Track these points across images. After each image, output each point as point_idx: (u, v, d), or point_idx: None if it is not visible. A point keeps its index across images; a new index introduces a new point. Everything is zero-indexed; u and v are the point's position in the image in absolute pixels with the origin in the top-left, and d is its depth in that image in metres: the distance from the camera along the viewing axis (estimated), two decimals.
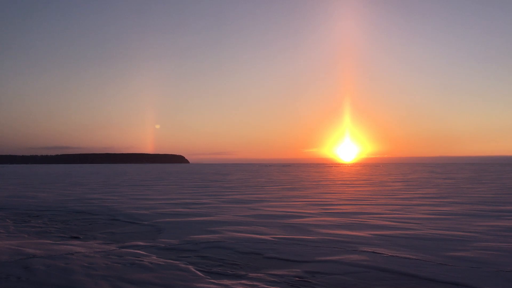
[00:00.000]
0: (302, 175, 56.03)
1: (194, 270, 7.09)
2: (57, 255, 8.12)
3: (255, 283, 6.33)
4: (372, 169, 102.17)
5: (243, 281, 6.44)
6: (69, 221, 13.03)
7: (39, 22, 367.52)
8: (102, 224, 12.52)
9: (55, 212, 15.18)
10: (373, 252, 8.22)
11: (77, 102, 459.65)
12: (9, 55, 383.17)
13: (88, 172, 78.43)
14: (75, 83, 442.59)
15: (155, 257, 7.99)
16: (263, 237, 9.93)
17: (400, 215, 13.59)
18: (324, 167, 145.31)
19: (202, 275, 6.82)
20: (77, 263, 7.51)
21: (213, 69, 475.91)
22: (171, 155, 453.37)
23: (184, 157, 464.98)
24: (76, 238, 10.28)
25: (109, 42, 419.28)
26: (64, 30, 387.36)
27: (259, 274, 6.82)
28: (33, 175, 58.12)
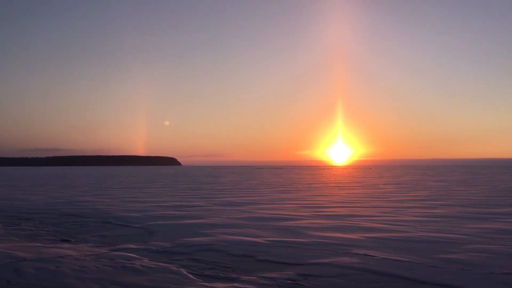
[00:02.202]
0: (295, 178, 56.10)
1: (186, 273, 7.06)
2: (47, 258, 8.05)
3: (247, 286, 6.31)
4: (364, 171, 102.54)
5: (235, 284, 6.42)
6: (60, 224, 12.94)
7: (32, 24, 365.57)
8: (93, 227, 12.44)
9: (46, 215, 15.06)
10: (365, 254, 8.24)
11: (68, 103, 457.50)
12: None
13: (79, 174, 77.94)
14: (66, 84, 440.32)
15: (146, 260, 7.95)
16: (255, 239, 9.92)
17: (391, 218, 13.64)
18: (316, 169, 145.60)
19: (194, 278, 6.79)
20: (68, 266, 7.45)
21: (206, 72, 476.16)
22: (163, 157, 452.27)
23: (176, 159, 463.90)
24: (67, 241, 10.20)
25: (101, 44, 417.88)
26: (56, 32, 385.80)
27: (251, 277, 6.81)
28: (23, 178, 57.65)
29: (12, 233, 11.34)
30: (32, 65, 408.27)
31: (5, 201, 20.71)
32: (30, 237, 10.69)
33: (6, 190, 29.96)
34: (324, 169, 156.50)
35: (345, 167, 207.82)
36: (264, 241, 9.69)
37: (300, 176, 62.69)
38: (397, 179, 48.21)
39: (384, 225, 11.95)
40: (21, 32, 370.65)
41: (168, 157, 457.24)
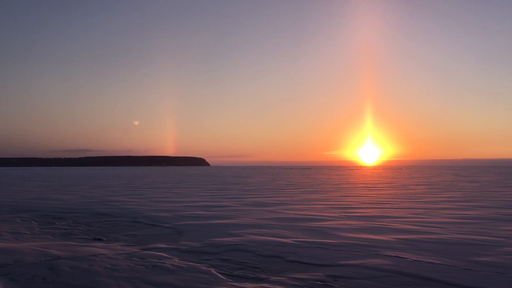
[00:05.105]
0: (323, 178, 55.72)
1: (215, 272, 7.11)
2: (81, 257, 8.24)
3: (276, 287, 6.30)
4: (394, 172, 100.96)
5: (264, 285, 6.42)
6: (92, 223, 13.22)
7: (64, 26, 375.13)
8: (124, 226, 12.66)
9: (79, 214, 15.42)
10: (396, 256, 8.10)
11: (100, 105, 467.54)
12: (32, 59, 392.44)
13: (110, 174, 79.48)
14: (97, 87, 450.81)
15: (176, 260, 8.04)
16: (284, 240, 9.89)
17: (423, 219, 13.38)
18: (345, 170, 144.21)
19: (223, 277, 6.83)
20: (100, 264, 7.61)
21: (234, 72, 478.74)
22: (192, 157, 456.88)
23: (204, 160, 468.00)
24: (99, 240, 10.41)
25: (131, 47, 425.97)
26: (87, 35, 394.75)
27: (280, 278, 6.79)
28: (56, 178, 59.20)
29: (47, 231, 11.66)
30: (64, 68, 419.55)
31: (40, 200, 21.31)
32: (64, 236, 10.96)
33: (41, 190, 30.83)
34: (353, 169, 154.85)
35: (375, 168, 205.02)
36: (293, 242, 9.66)
37: (328, 177, 62.21)
38: (428, 180, 47.26)
39: (415, 227, 11.73)
40: (53, 36, 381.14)
41: (197, 157, 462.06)
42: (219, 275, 6.98)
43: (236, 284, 6.47)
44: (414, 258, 7.90)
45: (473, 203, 18.96)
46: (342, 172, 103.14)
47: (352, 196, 23.45)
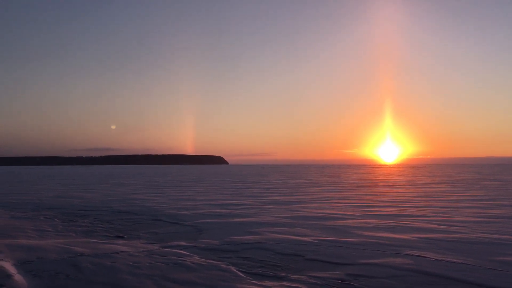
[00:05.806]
0: (342, 176, 55.37)
1: (235, 270, 7.13)
2: (103, 254, 8.36)
3: (296, 285, 6.29)
4: (414, 170, 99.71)
5: (284, 283, 6.41)
6: (114, 221, 13.39)
7: (83, 26, 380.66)
8: (145, 224, 12.79)
9: (101, 212, 15.64)
10: (418, 255, 8.00)
11: (120, 105, 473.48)
12: (53, 59, 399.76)
13: (131, 173, 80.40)
14: (117, 86, 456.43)
15: (197, 257, 8.08)
16: (303, 238, 9.87)
17: (445, 218, 13.18)
18: (365, 168, 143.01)
19: (243, 275, 6.84)
20: (122, 262, 7.71)
21: (252, 70, 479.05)
22: (211, 156, 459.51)
23: (223, 158, 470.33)
24: (121, 237, 10.54)
25: (150, 49, 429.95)
26: (107, 35, 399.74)
27: (300, 276, 6.78)
28: (78, 176, 60.15)
29: (70, 229, 11.86)
30: (84, 67, 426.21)
31: (63, 198, 21.68)
32: (86, 233, 11.13)
33: (64, 188, 31.36)
34: (373, 167, 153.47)
35: (394, 166, 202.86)
36: (313, 240, 9.62)
37: (348, 175, 61.80)
38: (450, 178, 46.54)
39: (437, 226, 11.57)
40: (74, 36, 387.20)
41: (215, 156, 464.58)
42: (239, 273, 7.00)
43: (256, 282, 6.48)
44: (436, 258, 7.79)
45: (497, 201, 18.60)
46: (362, 170, 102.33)
47: (373, 195, 23.25)
